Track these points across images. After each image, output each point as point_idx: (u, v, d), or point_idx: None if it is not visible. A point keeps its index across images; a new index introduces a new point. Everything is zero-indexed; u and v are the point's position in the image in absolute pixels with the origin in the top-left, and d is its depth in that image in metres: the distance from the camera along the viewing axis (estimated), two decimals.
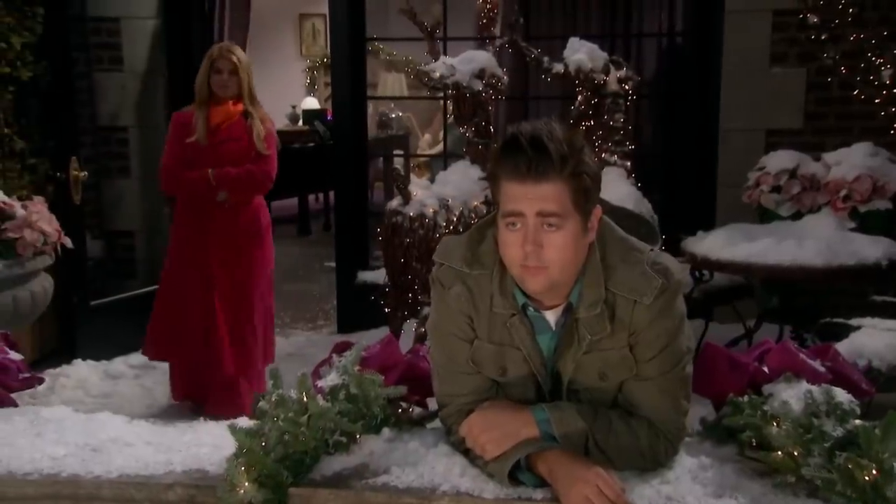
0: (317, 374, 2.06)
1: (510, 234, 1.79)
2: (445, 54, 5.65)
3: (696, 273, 4.85)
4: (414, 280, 4.83)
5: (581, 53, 4.80)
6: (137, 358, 5.52)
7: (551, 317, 1.88)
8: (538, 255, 1.76)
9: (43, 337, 5.38)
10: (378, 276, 5.33)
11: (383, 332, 5.29)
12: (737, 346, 4.85)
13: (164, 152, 4.63)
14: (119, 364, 5.44)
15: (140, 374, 5.35)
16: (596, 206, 1.83)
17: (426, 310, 4.85)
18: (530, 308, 1.88)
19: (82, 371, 5.28)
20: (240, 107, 4.53)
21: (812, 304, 4.63)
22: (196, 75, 4.63)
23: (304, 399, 1.88)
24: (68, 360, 5.35)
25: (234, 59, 4.46)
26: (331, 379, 1.99)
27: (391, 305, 4.99)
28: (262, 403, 1.90)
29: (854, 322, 3.87)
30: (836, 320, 3.96)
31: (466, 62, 4.92)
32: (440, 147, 9.64)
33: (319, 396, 1.95)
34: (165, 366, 5.46)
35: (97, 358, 5.43)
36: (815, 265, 4.23)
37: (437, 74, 4.87)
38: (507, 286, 1.87)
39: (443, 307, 1.94)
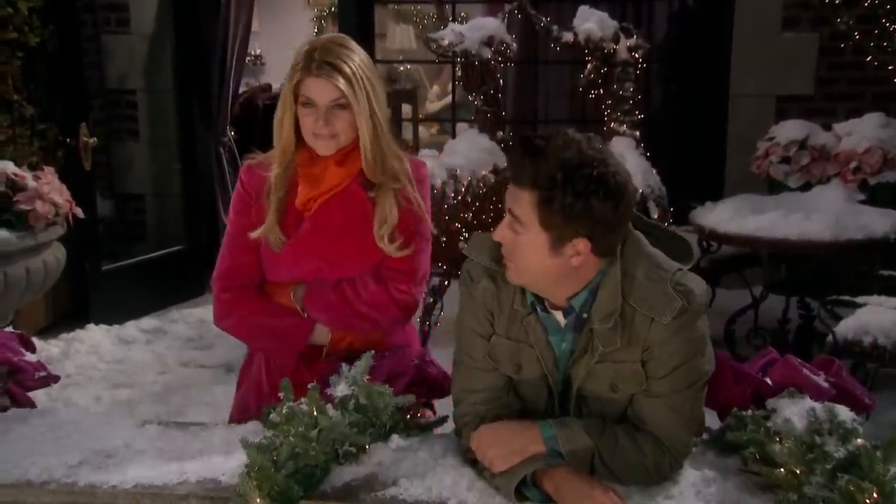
0: (326, 381, 2.08)
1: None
2: (454, 18, 5.63)
3: (704, 244, 4.87)
4: None
5: (591, 22, 4.77)
6: (149, 322, 5.63)
7: (559, 317, 1.91)
8: (503, 249, 1.88)
9: (56, 302, 5.45)
10: None
11: None
12: (743, 316, 4.88)
13: (221, 249, 2.44)
14: (131, 329, 5.52)
15: (152, 340, 5.43)
16: (579, 239, 1.78)
17: (434, 279, 4.89)
18: (538, 307, 1.91)
19: (95, 336, 5.35)
20: (354, 166, 2.31)
21: (819, 276, 4.64)
22: (204, 37, 4.28)
23: (315, 413, 1.91)
24: (82, 325, 5.43)
25: (343, 77, 2.19)
26: (340, 389, 2.02)
27: None
28: (272, 416, 1.93)
29: (860, 300, 3.90)
30: (842, 297, 3.99)
31: (475, 29, 4.90)
32: (449, 98, 9.59)
33: (329, 406, 1.98)
34: (176, 330, 5.55)
35: (110, 322, 5.51)
36: (823, 239, 4.24)
37: (446, 42, 4.85)
38: None
39: (469, 301, 1.99)
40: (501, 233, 1.85)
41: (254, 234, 2.31)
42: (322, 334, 2.36)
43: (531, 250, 1.81)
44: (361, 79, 2.20)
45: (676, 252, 1.93)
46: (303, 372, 2.32)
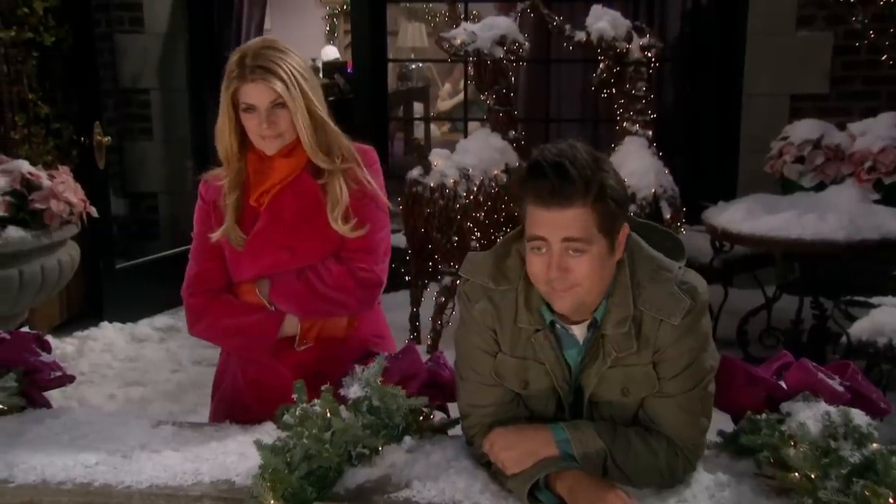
0: (339, 383, 2.09)
1: (536, 256, 1.81)
2: (466, 17, 5.63)
3: (717, 243, 4.85)
4: (435, 249, 4.85)
5: (603, 21, 4.77)
6: (162, 320, 5.65)
7: (578, 332, 1.90)
8: (564, 279, 1.79)
9: (70, 300, 5.47)
10: (397, 239, 5.36)
11: (403, 295, 5.35)
12: (756, 316, 4.87)
13: (189, 259, 2.48)
14: (144, 327, 5.55)
15: (165, 338, 5.45)
16: (623, 224, 1.84)
17: (446, 279, 4.89)
18: (557, 324, 1.90)
19: (109, 334, 5.38)
20: (302, 156, 2.35)
21: (833, 277, 4.62)
22: (217, 36, 4.26)
23: (328, 414, 1.92)
24: (95, 323, 5.46)
25: (278, 79, 2.24)
26: (354, 391, 2.03)
27: (412, 273, 5.02)
28: (286, 417, 1.94)
29: (875, 300, 3.88)
30: (856, 298, 3.97)
31: (487, 29, 4.91)
32: (461, 96, 9.58)
33: (343, 407, 1.99)
34: None
35: (123, 320, 5.54)
36: (837, 239, 4.22)
37: (458, 41, 4.85)
38: (533, 302, 1.90)
39: (469, 321, 1.98)
40: (564, 265, 1.77)
41: (214, 236, 2.37)
42: (291, 325, 2.38)
43: (599, 262, 1.79)
44: (295, 77, 2.26)
45: (668, 249, 1.93)
46: (278, 366, 2.37)
